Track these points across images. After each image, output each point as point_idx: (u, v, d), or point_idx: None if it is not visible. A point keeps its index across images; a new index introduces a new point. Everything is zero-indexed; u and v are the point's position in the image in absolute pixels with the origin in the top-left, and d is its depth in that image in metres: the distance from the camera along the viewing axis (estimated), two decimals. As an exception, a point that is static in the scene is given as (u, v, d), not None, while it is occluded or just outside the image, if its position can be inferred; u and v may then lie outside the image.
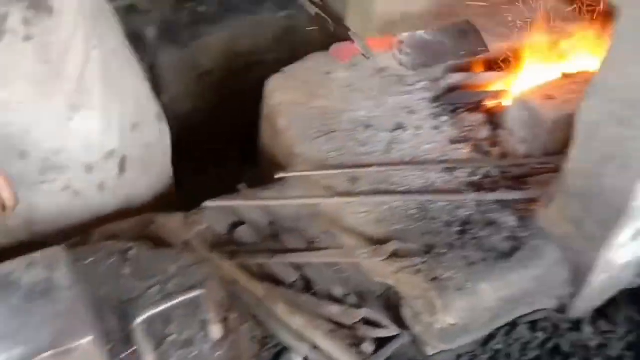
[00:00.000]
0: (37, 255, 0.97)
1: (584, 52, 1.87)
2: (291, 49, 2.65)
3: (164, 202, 1.68)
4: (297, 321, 1.30)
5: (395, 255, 1.37)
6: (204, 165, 2.36)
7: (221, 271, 1.32)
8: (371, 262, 1.39)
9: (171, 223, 1.44)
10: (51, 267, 0.95)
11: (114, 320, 1.13)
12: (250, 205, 1.54)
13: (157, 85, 2.53)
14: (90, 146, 1.46)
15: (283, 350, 1.34)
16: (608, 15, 1.77)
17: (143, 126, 1.61)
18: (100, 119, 1.45)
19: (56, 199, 1.47)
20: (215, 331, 1.13)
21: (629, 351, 1.41)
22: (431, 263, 1.34)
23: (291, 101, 1.78)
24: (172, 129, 1.90)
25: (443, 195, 1.49)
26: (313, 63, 1.93)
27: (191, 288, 1.20)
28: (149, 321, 1.11)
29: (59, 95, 1.37)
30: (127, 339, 1.10)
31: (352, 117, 1.74)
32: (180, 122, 2.61)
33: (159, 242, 1.39)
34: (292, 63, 1.95)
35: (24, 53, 1.29)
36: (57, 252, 0.98)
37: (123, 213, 1.58)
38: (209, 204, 1.47)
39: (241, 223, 1.53)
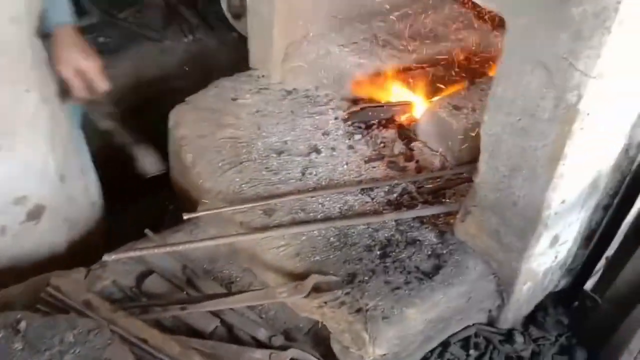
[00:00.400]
0: None
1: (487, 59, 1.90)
2: (203, 74, 2.57)
3: (86, 254, 1.54)
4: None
5: (316, 289, 1.29)
6: (133, 201, 2.22)
7: (128, 331, 1.20)
8: (294, 300, 1.31)
9: (69, 283, 1.30)
10: None
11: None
12: (158, 253, 1.43)
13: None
14: None
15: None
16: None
17: (70, 179, 1.57)
18: (17, 164, 1.41)
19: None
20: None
21: (562, 355, 1.41)
22: (354, 293, 1.27)
23: (197, 134, 1.67)
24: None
25: (361, 218, 1.43)
26: (218, 90, 1.84)
27: (93, 357, 1.08)
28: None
29: None
30: None
31: (263, 144, 1.66)
32: (95, 157, 2.47)
33: (55, 306, 1.25)
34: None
35: None
36: None
37: (31, 263, 1.51)
38: (107, 257, 1.34)
39: (150, 272, 1.42)
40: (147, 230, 1.48)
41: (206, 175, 1.57)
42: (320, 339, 1.34)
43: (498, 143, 1.17)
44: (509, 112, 1.12)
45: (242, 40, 2.59)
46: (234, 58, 2.63)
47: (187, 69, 2.61)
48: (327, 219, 1.45)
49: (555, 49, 0.97)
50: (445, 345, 1.36)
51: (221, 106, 1.77)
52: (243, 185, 1.54)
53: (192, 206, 1.60)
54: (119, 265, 1.40)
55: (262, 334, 1.31)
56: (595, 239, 1.35)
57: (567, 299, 1.46)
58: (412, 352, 1.32)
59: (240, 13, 2.43)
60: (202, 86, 1.88)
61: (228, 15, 2.49)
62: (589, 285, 1.42)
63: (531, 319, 1.44)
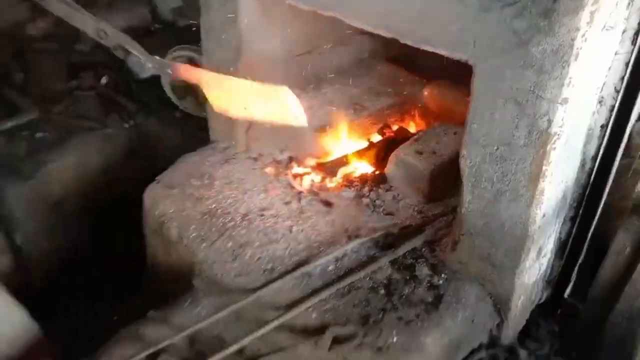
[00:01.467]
0: None
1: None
2: (148, 158, 2.58)
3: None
4: None
5: (336, 341, 1.33)
6: (75, 306, 2.12)
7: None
8: (316, 356, 1.33)
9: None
10: None
11: None
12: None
13: (7, 224, 2.25)
14: None
15: None
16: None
17: None
18: None
19: None
20: None
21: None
22: (372, 334, 1.32)
23: (176, 209, 1.69)
24: (28, 272, 1.66)
25: (360, 272, 1.49)
26: (186, 165, 1.88)
27: None
28: None
29: None
30: None
31: (244, 209, 1.70)
32: (39, 261, 2.34)
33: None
34: (153, 173, 1.86)
35: None
36: None
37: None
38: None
39: (158, 354, 1.38)
40: (151, 312, 1.45)
41: (196, 246, 1.58)
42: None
43: (479, 172, 1.31)
44: (486, 143, 1.27)
45: (187, 118, 2.67)
46: (180, 137, 2.69)
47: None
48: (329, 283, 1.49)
49: (523, 84, 1.15)
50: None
51: (194, 180, 1.80)
52: (235, 252, 1.57)
53: (178, 284, 1.59)
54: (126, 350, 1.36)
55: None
56: (567, 250, 1.51)
57: (550, 309, 1.60)
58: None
59: (185, 93, 2.50)
60: (155, 170, 1.88)
61: (172, 97, 2.54)
62: (567, 293, 1.56)
63: (525, 333, 1.55)
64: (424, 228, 1.64)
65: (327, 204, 1.75)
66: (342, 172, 1.88)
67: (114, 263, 2.16)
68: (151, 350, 1.36)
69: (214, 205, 1.71)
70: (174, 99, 2.57)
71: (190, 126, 2.60)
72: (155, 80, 2.41)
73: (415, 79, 2.24)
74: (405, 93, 2.15)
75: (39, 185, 2.35)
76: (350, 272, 1.50)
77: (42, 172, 2.38)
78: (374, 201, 1.76)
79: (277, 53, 1.91)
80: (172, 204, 1.71)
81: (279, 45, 1.93)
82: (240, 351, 1.42)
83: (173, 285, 1.61)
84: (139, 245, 1.85)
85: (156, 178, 1.82)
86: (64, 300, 2.10)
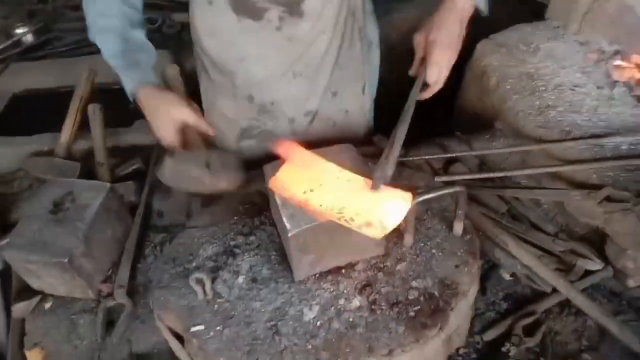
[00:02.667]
0: None
1: None
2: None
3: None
4: (509, 242, 1.51)
5: (607, 199, 1.52)
6: None
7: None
8: (582, 204, 1.56)
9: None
10: None
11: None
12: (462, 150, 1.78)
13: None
14: None
15: (493, 266, 1.57)
16: None
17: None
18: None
19: None
20: (458, 228, 1.38)
21: None
22: (643, 207, 1.48)
23: (500, 63, 1.98)
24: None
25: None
26: (518, 33, 2.12)
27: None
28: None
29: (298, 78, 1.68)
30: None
31: (559, 80, 1.91)
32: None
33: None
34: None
35: (274, 36, 1.59)
36: None
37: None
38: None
39: (455, 161, 1.78)
40: (457, 133, 1.85)
41: (509, 96, 1.87)
42: (591, 244, 1.58)
43: None
44: None
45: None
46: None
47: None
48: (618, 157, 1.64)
49: None
50: None
51: (521, 45, 2.05)
52: (540, 109, 1.81)
53: (481, 124, 1.93)
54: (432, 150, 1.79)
55: (550, 229, 1.59)
56: None
57: None
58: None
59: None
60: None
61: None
62: None
63: None
64: None
65: (638, 99, 1.83)
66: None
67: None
68: (448, 156, 1.77)
69: (532, 70, 1.95)
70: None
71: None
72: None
73: None
74: None
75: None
76: (640, 156, 1.63)
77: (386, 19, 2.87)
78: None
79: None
80: (497, 58, 2.00)
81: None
82: (517, 184, 1.73)
83: (478, 124, 1.96)
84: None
85: (490, 36, 2.11)
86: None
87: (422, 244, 1.38)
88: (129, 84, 1.45)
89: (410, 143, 1.84)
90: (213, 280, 1.31)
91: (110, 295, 1.50)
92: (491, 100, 1.94)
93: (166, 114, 1.39)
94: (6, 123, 2.04)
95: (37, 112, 2.09)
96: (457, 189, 1.29)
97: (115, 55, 1.46)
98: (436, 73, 1.43)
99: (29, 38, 2.51)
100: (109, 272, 1.55)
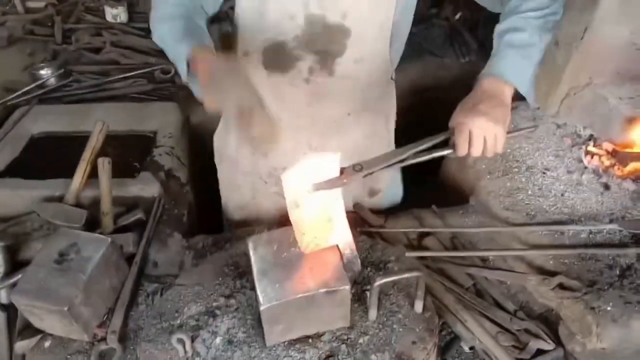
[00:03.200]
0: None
1: None
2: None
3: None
4: (468, 319, 1.65)
5: (560, 286, 1.67)
6: None
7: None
8: (538, 288, 1.70)
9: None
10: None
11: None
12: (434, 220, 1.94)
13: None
14: None
15: (456, 337, 1.71)
16: None
17: None
18: None
19: None
20: (418, 307, 1.53)
21: None
22: (592, 297, 1.62)
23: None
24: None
25: (606, 249, 1.74)
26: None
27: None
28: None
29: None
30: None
31: (531, 163, 2.06)
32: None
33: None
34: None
35: (300, 87, 1.75)
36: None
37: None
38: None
39: (429, 234, 1.93)
40: (433, 206, 2.00)
41: (483, 175, 2.03)
42: (548, 324, 1.71)
43: None
44: None
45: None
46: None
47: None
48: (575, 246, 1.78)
49: None
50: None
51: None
52: (510, 191, 1.97)
53: (459, 197, 2.08)
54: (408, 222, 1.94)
55: (510, 306, 1.73)
56: None
57: None
58: (625, 357, 1.63)
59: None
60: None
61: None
62: None
63: None
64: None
65: (606, 187, 1.98)
66: (633, 165, 2.04)
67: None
68: (423, 230, 1.92)
69: (508, 150, 2.11)
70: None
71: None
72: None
73: None
74: None
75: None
76: (598, 245, 1.77)
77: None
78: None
79: (620, 42, 2.09)
80: (477, 137, 2.16)
81: (627, 34, 2.09)
82: (484, 261, 1.88)
83: (457, 196, 2.11)
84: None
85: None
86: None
87: (385, 319, 1.52)
88: (185, 50, 1.43)
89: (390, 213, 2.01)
90: (193, 339, 1.47)
91: (103, 339, 1.66)
92: (468, 177, 2.10)
93: (233, 95, 1.32)
94: (23, 165, 2.22)
95: (52, 156, 2.27)
96: (415, 274, 1.44)
97: (172, 32, 1.49)
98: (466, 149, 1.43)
99: (52, 81, 2.70)
100: (104, 317, 1.71)
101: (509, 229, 1.83)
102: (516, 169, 2.04)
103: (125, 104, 2.52)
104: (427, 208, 2.01)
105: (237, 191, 2.17)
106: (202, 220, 2.33)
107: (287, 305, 1.35)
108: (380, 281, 1.42)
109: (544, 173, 2.03)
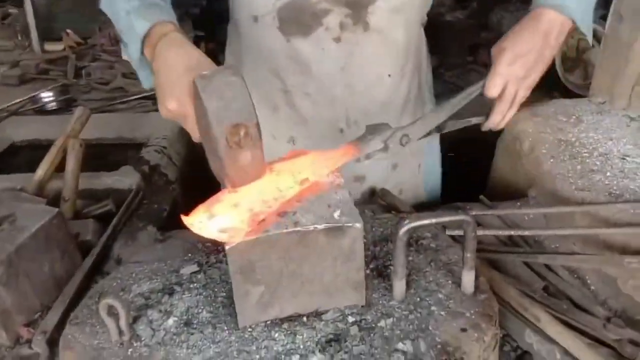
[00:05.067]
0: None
1: None
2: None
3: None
4: (543, 317, 1.13)
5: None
6: None
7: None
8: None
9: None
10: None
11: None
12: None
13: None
14: None
15: (524, 355, 1.17)
16: None
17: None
18: None
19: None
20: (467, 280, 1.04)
21: None
22: None
23: (535, 129, 1.72)
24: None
25: None
26: (557, 104, 1.88)
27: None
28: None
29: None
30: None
31: (606, 149, 1.61)
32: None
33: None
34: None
35: (330, 49, 1.43)
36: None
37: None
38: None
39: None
40: (481, 197, 1.56)
41: (544, 159, 1.58)
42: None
43: None
44: None
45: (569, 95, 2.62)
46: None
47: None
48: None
49: None
50: None
51: (560, 116, 1.79)
52: (582, 173, 1.51)
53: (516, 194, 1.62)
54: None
55: (600, 313, 1.20)
56: None
57: None
58: None
59: (574, 65, 2.48)
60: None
61: (559, 69, 2.54)
62: None
63: None
64: None
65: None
66: None
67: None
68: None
69: (572, 138, 1.67)
70: (560, 71, 2.55)
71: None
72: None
73: None
74: None
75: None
76: None
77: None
78: None
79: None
80: (531, 126, 1.74)
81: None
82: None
83: (510, 196, 1.65)
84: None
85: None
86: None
87: (419, 299, 1.03)
88: (142, 25, 1.04)
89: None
90: (135, 320, 1.00)
91: (29, 341, 1.20)
92: (524, 166, 1.65)
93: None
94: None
95: (33, 162, 1.96)
96: (462, 217, 0.97)
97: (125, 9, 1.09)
98: (498, 85, 1.20)
99: (52, 105, 2.49)
100: (36, 316, 1.27)
101: (589, 207, 1.35)
102: (586, 154, 1.59)
103: (119, 114, 2.25)
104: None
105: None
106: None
107: (267, 245, 0.90)
108: (409, 225, 0.95)
109: (623, 159, 1.57)
